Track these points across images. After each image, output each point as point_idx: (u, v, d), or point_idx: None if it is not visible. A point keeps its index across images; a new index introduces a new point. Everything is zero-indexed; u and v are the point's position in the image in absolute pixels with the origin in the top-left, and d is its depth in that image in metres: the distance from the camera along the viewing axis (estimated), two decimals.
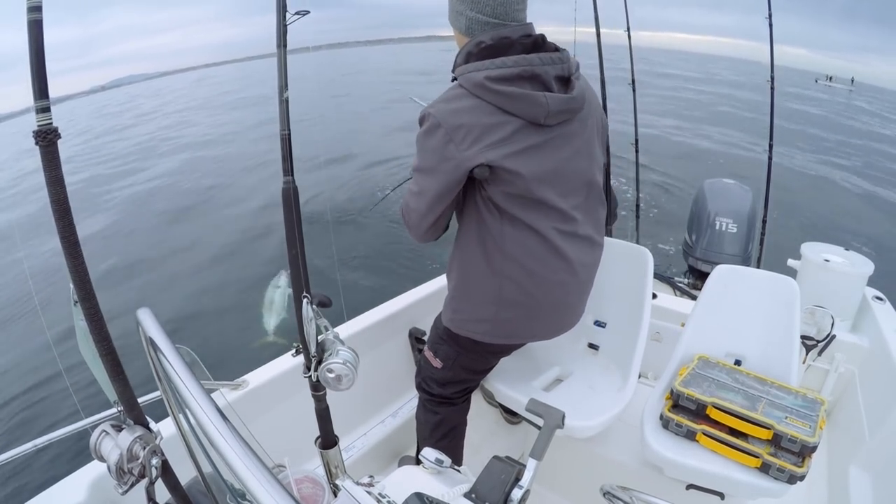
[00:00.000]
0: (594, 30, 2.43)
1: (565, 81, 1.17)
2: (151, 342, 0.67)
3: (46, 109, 0.62)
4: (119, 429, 0.71)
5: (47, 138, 0.62)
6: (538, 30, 1.19)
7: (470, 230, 1.26)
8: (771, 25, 3.11)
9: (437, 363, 1.46)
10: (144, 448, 0.69)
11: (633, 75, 3.31)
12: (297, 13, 1.04)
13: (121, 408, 0.73)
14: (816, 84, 42.20)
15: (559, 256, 1.25)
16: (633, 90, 3.28)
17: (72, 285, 0.67)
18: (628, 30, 3.29)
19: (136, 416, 0.73)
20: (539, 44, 1.16)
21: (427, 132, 1.13)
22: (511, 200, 1.18)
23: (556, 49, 1.18)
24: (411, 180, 1.22)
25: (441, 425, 1.55)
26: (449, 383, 1.49)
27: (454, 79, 1.18)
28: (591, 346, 1.79)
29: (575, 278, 1.31)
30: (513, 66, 1.09)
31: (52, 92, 0.62)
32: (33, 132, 0.61)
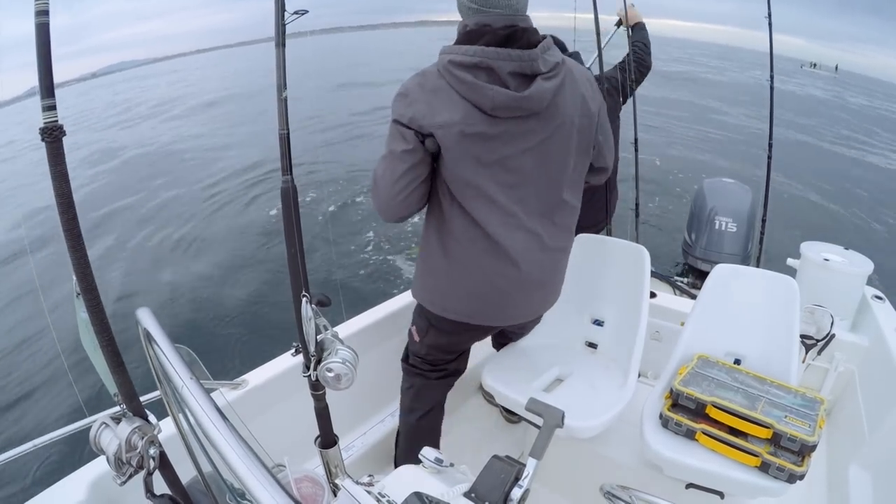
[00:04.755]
0: (592, 16, 2.42)
1: (527, 79, 1.18)
2: (151, 341, 0.67)
3: (52, 108, 0.63)
4: (118, 420, 0.72)
5: (53, 135, 0.63)
6: (532, 15, 1.21)
7: (432, 210, 1.36)
8: (770, 25, 3.12)
9: (416, 336, 1.57)
10: (143, 438, 0.70)
11: (632, 74, 3.29)
12: (295, 13, 1.04)
13: (121, 401, 0.73)
14: (801, 70, 43.78)
15: (497, 247, 1.31)
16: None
17: (74, 277, 0.68)
18: (627, 26, 3.28)
19: (135, 407, 0.74)
20: (515, 36, 1.17)
21: (396, 98, 1.24)
22: (457, 186, 1.26)
23: (533, 45, 1.18)
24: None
25: (417, 399, 1.65)
26: (425, 358, 1.59)
27: None
28: (590, 344, 1.79)
29: (517, 271, 1.35)
30: (472, 56, 1.16)
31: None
32: (40, 129, 0.63)
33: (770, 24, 3.11)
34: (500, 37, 1.17)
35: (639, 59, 2.36)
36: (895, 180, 10.44)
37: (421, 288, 1.48)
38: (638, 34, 2.41)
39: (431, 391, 1.65)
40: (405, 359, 1.66)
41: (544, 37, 1.22)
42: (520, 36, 1.18)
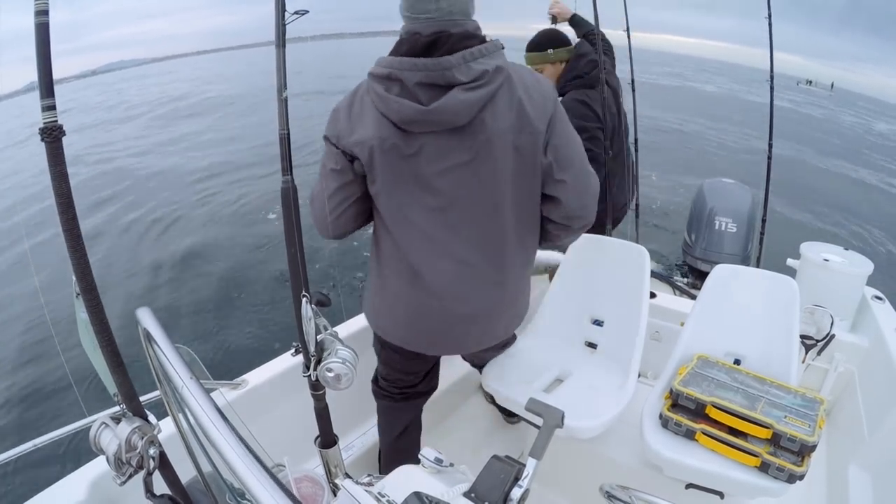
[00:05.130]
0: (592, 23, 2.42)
1: (441, 90, 1.07)
2: (151, 341, 0.67)
3: (52, 108, 0.63)
4: (118, 420, 0.72)
5: (52, 135, 0.63)
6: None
7: (373, 229, 1.33)
8: (770, 26, 3.12)
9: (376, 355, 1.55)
10: (142, 438, 0.70)
11: (632, 75, 3.31)
12: (296, 13, 1.04)
13: (121, 401, 0.73)
14: (797, 87, 45.00)
15: (418, 276, 1.23)
16: (633, 90, 3.28)
17: (74, 277, 0.68)
18: (627, 31, 3.29)
19: (135, 407, 0.74)
20: (437, 44, 1.07)
21: (330, 114, 1.22)
22: (382, 206, 1.21)
23: (452, 52, 1.06)
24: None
25: (389, 423, 1.61)
26: (387, 379, 1.55)
27: None
28: (590, 344, 1.79)
29: (439, 304, 1.25)
30: (384, 67, 1.11)
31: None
32: (39, 129, 0.63)
33: (770, 25, 3.11)
34: (420, 45, 1.08)
35: (602, 39, 2.32)
36: (887, 190, 10.53)
37: (366, 305, 1.42)
38: (586, 25, 2.36)
39: (402, 413, 1.59)
40: (374, 380, 1.60)
41: (492, 41, 1.12)
42: (443, 42, 1.07)
